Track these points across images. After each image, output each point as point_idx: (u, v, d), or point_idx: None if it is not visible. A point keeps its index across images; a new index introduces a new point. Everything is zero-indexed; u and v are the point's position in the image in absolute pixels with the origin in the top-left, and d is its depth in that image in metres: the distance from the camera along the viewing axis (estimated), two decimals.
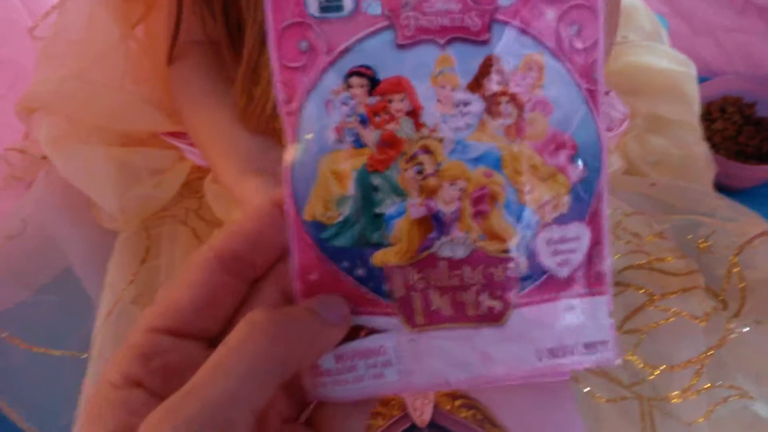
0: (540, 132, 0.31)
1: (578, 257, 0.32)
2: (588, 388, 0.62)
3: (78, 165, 0.77)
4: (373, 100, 0.31)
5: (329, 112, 0.31)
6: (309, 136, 0.31)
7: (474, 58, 0.31)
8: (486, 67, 0.31)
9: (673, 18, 1.27)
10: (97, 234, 0.79)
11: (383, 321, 0.31)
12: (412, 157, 0.31)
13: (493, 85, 0.31)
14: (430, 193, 0.31)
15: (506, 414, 0.60)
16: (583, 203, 0.32)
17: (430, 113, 0.31)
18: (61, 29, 0.83)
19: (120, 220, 0.78)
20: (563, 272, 0.32)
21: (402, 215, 0.31)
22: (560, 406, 0.60)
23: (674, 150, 0.89)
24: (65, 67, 0.82)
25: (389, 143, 0.31)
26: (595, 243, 0.32)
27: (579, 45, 0.31)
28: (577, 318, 0.32)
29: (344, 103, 0.31)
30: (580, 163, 0.32)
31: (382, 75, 0.31)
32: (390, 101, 0.31)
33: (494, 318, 0.31)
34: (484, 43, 0.31)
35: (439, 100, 0.31)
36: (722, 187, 0.95)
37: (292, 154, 0.31)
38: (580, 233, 0.32)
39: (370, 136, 0.31)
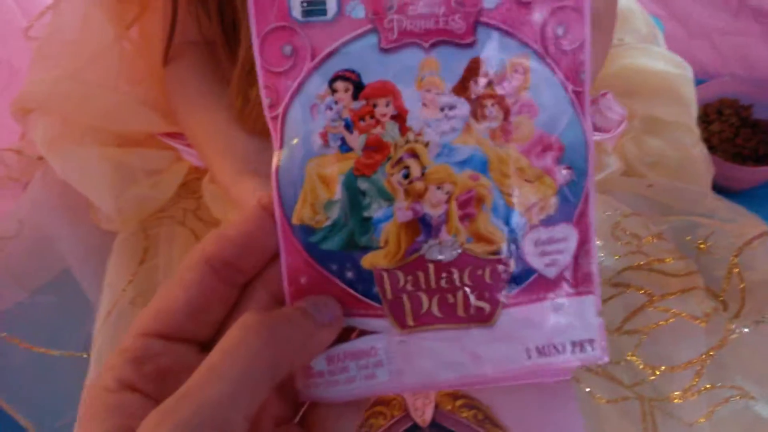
0: (526, 134, 0.31)
1: (566, 258, 0.32)
2: (589, 389, 0.62)
3: (74, 165, 0.77)
4: (358, 104, 0.31)
5: (314, 116, 0.31)
6: (295, 141, 0.31)
7: (459, 62, 0.31)
8: (471, 70, 0.31)
9: (668, 21, 1.27)
10: (94, 235, 0.79)
11: (374, 323, 0.31)
12: (399, 161, 0.31)
13: (478, 88, 0.31)
14: (416, 196, 0.31)
15: (507, 414, 0.60)
16: (570, 204, 0.32)
17: (416, 117, 0.31)
18: (55, 30, 0.83)
19: (117, 220, 0.78)
20: (551, 273, 0.32)
21: (390, 219, 0.31)
22: (561, 407, 0.60)
23: (671, 151, 0.89)
24: (60, 67, 0.82)
25: (375, 147, 0.31)
26: (583, 243, 0.32)
27: (565, 46, 0.31)
28: (565, 317, 0.32)
29: (329, 108, 0.31)
30: (566, 164, 0.32)
31: (367, 79, 0.31)
32: (375, 105, 0.31)
33: (483, 319, 0.31)
34: (469, 46, 0.31)
35: (424, 104, 0.31)
36: (720, 189, 0.95)
37: (278, 158, 0.31)
38: (567, 234, 0.32)
39: (356, 140, 0.31)
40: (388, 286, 0.31)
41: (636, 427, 0.61)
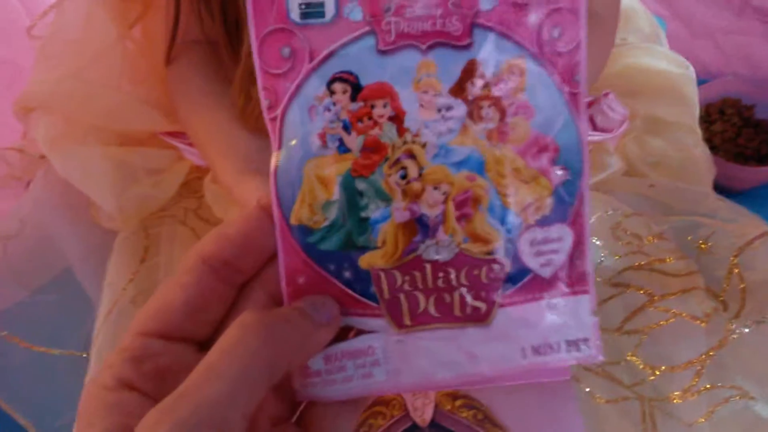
0: (522, 135, 0.31)
1: (561, 258, 0.32)
2: (589, 389, 0.62)
3: (76, 164, 0.77)
4: (356, 105, 0.31)
5: (312, 118, 0.31)
6: (293, 142, 0.31)
7: (456, 63, 0.31)
8: (468, 72, 0.31)
9: (671, 20, 1.27)
10: (95, 234, 0.79)
11: (371, 322, 0.32)
12: (396, 162, 0.31)
13: (475, 89, 0.31)
14: (414, 197, 0.31)
15: (507, 414, 0.60)
16: (566, 205, 0.32)
17: (413, 118, 0.31)
18: (58, 29, 0.83)
19: (119, 219, 0.78)
20: (546, 272, 0.32)
21: (387, 219, 0.31)
22: (561, 407, 0.60)
23: (673, 152, 0.89)
24: (62, 66, 0.82)
25: (373, 148, 0.31)
26: (578, 243, 0.32)
27: (561, 48, 0.32)
28: (560, 317, 0.32)
29: (327, 109, 0.31)
30: (562, 165, 0.32)
31: (365, 81, 0.31)
32: (373, 107, 0.31)
33: (480, 318, 0.32)
34: (466, 47, 0.31)
35: (421, 105, 0.31)
36: (722, 189, 0.95)
37: (276, 159, 0.31)
38: (562, 234, 0.32)
39: (354, 141, 0.31)
40: (385, 286, 0.32)
41: (636, 427, 0.61)
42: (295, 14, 0.30)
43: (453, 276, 0.32)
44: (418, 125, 0.31)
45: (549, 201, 0.32)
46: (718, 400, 0.61)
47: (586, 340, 0.32)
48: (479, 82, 0.31)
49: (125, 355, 0.29)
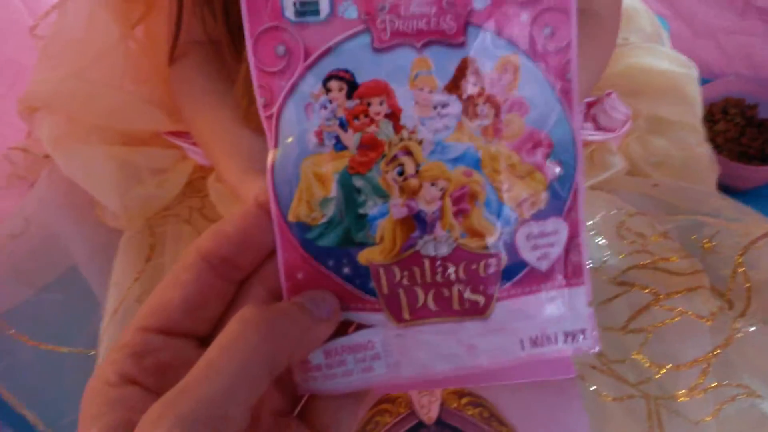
0: (517, 131, 0.32)
1: (557, 251, 0.33)
2: (594, 387, 0.62)
3: (80, 164, 0.78)
4: (352, 103, 0.31)
5: (309, 116, 0.31)
6: (289, 140, 0.31)
7: (450, 61, 0.31)
8: (462, 70, 0.31)
9: (673, 20, 1.27)
10: (100, 233, 0.80)
11: (370, 317, 0.32)
12: (393, 159, 0.31)
13: (469, 86, 0.31)
14: (411, 193, 0.31)
15: (513, 412, 0.60)
16: (560, 199, 0.33)
17: (410, 115, 0.31)
18: (61, 29, 0.84)
19: (123, 218, 0.78)
20: (543, 265, 0.33)
21: (385, 215, 0.32)
22: (567, 405, 0.60)
23: (676, 151, 0.89)
24: (65, 66, 0.82)
25: (370, 146, 0.31)
26: (573, 236, 0.33)
27: (553, 46, 0.32)
28: (557, 309, 0.33)
29: (324, 107, 0.31)
30: (556, 160, 0.32)
31: (361, 78, 0.31)
32: (369, 104, 0.31)
33: (478, 312, 0.32)
34: (460, 45, 0.31)
35: (417, 103, 0.31)
36: (725, 188, 0.95)
37: (273, 157, 0.32)
38: (558, 228, 0.33)
39: (351, 139, 0.31)
40: (384, 281, 0.32)
41: (641, 425, 0.61)
42: (289, 12, 0.31)
43: (451, 271, 0.32)
44: (414, 122, 0.31)
45: (544, 195, 0.32)
46: (725, 399, 0.61)
47: (583, 331, 0.33)
48: (474, 80, 0.31)
49: (126, 350, 0.29)
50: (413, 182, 0.31)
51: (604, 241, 0.73)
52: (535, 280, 0.33)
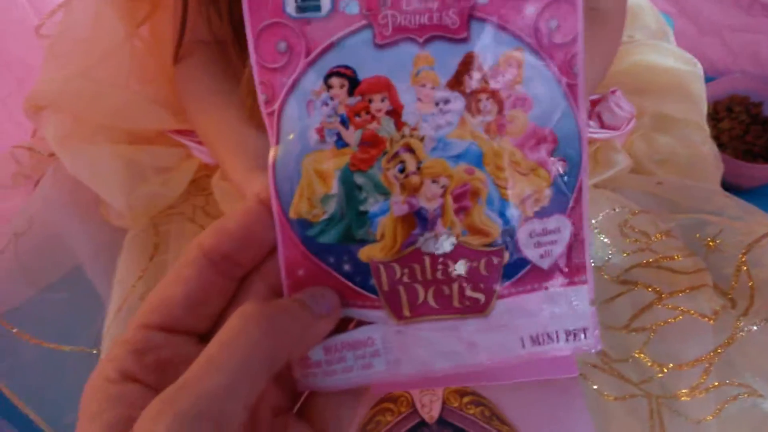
0: (520, 128, 0.32)
1: (559, 248, 0.33)
2: (596, 386, 0.62)
3: (85, 163, 0.78)
4: (354, 100, 0.31)
5: (310, 112, 0.31)
6: (291, 137, 0.31)
7: (453, 56, 0.31)
8: (465, 65, 0.31)
9: (679, 17, 1.27)
10: (104, 231, 0.80)
11: (371, 314, 0.32)
12: (394, 156, 0.31)
13: (472, 82, 0.31)
14: (412, 190, 0.31)
15: (515, 411, 0.60)
16: (564, 196, 0.32)
17: (411, 112, 0.31)
18: (66, 28, 0.84)
19: (128, 217, 0.78)
20: (545, 263, 0.33)
21: (386, 213, 0.32)
22: (569, 404, 0.60)
23: (681, 149, 0.89)
24: (71, 65, 0.82)
25: (371, 143, 0.31)
26: (576, 234, 0.33)
27: (558, 40, 0.32)
28: (558, 307, 0.33)
29: (325, 104, 0.31)
30: (560, 157, 0.32)
31: (362, 75, 0.31)
32: (370, 101, 0.31)
33: (479, 309, 0.32)
34: (463, 40, 0.31)
35: (419, 99, 0.31)
36: (729, 187, 0.95)
37: (274, 154, 0.32)
38: (561, 225, 0.32)
39: (352, 136, 0.31)
40: (384, 278, 0.32)
41: (643, 424, 0.61)
42: (290, 8, 0.31)
43: (452, 268, 0.32)
44: (416, 119, 0.31)
45: (547, 192, 0.32)
46: (726, 398, 0.61)
47: (584, 330, 0.33)
48: (477, 75, 0.31)
49: (127, 347, 0.29)
50: (414, 179, 0.31)
51: (607, 239, 0.73)
52: (536, 278, 0.33)
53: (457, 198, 0.31)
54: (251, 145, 0.69)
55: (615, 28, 0.82)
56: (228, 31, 0.72)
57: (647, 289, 0.68)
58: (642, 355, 0.64)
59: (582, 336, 0.33)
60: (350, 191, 0.31)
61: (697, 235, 0.73)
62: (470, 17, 0.31)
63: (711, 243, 0.72)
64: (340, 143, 0.31)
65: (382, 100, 0.31)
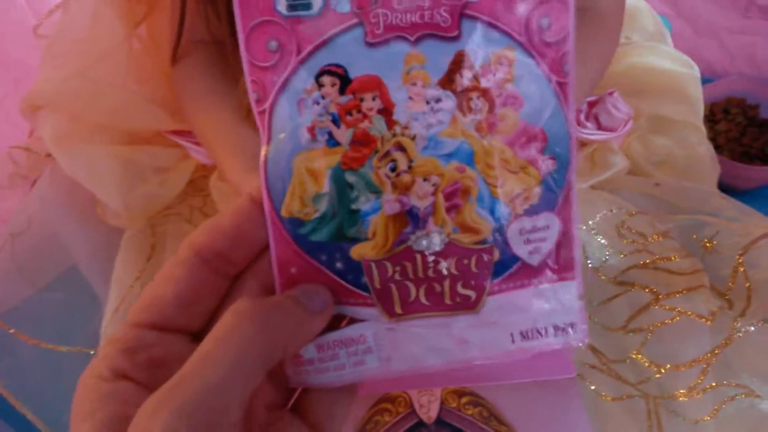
0: (511, 126, 0.32)
1: (548, 245, 0.33)
2: (594, 387, 0.62)
3: (82, 163, 0.78)
4: (345, 99, 0.31)
5: (301, 111, 0.31)
6: (282, 136, 0.31)
7: (444, 55, 0.31)
8: (457, 64, 0.31)
9: (676, 19, 1.27)
10: (101, 231, 0.80)
11: (363, 311, 0.32)
12: (386, 155, 0.31)
13: (464, 81, 0.31)
14: (404, 189, 0.31)
15: (512, 411, 0.60)
16: (553, 194, 0.33)
17: (403, 110, 0.31)
18: (64, 28, 0.84)
19: (125, 217, 0.78)
20: (535, 260, 0.33)
21: (377, 211, 0.31)
22: (566, 404, 0.60)
23: (678, 150, 0.89)
24: (69, 65, 0.82)
25: (362, 141, 0.31)
26: (565, 231, 0.33)
27: (550, 38, 0.32)
28: (548, 303, 0.33)
29: (316, 103, 0.31)
30: (550, 155, 0.32)
31: (353, 73, 0.31)
32: (362, 100, 0.31)
33: (470, 306, 0.32)
34: (455, 39, 0.31)
35: (410, 98, 0.31)
36: (726, 188, 0.95)
37: (266, 153, 0.31)
38: (550, 222, 0.33)
39: (343, 134, 0.31)
40: (376, 276, 0.32)
41: (641, 425, 0.61)
42: (281, 6, 0.30)
43: (443, 266, 0.32)
44: (407, 117, 0.31)
45: (537, 190, 0.32)
46: (724, 399, 0.61)
47: (573, 324, 0.33)
48: (468, 74, 0.31)
49: (119, 346, 0.29)
50: (406, 178, 0.31)
51: (604, 240, 0.73)
52: (526, 275, 0.33)
53: (448, 196, 0.31)
54: (249, 145, 0.69)
55: (613, 29, 0.83)
56: (226, 31, 0.72)
57: (644, 290, 0.68)
58: (639, 356, 0.64)
59: (570, 330, 0.33)
60: (342, 190, 0.31)
61: (694, 237, 0.73)
62: (462, 15, 0.31)
63: (708, 244, 0.72)
64: (332, 142, 0.31)
65: (374, 99, 0.31)
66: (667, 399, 0.61)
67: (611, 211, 0.76)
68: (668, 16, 1.24)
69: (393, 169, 0.31)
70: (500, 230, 0.32)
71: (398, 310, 0.32)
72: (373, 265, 0.32)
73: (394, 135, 0.31)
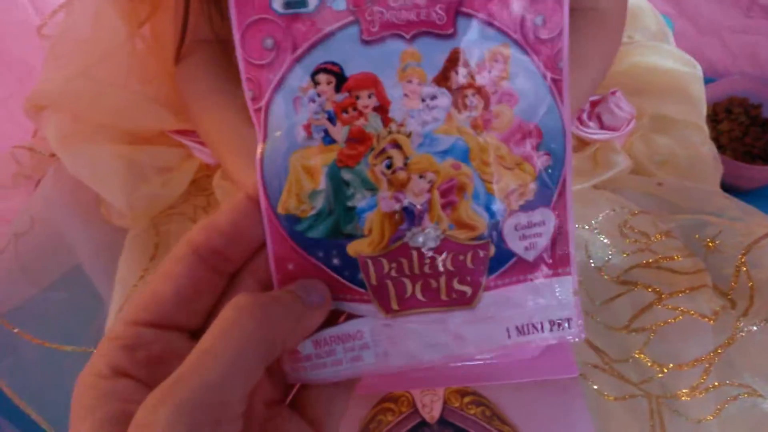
0: (506, 123, 0.32)
1: (544, 241, 0.33)
2: (597, 386, 0.62)
3: (86, 162, 0.78)
4: (341, 96, 0.31)
5: (297, 109, 0.31)
6: (278, 134, 0.31)
7: (440, 52, 0.31)
8: (452, 61, 0.31)
9: (678, 19, 1.27)
10: (105, 231, 0.80)
11: (359, 308, 0.32)
12: (382, 152, 0.31)
13: (459, 78, 0.31)
14: (399, 186, 0.31)
15: (515, 411, 0.60)
16: (549, 190, 0.33)
17: (398, 108, 0.31)
18: (68, 28, 0.84)
19: (129, 217, 0.78)
20: (530, 255, 0.33)
21: (373, 208, 0.32)
22: (569, 404, 0.60)
23: (680, 150, 0.89)
24: (72, 65, 0.82)
25: (358, 139, 0.31)
26: (560, 226, 0.33)
27: (544, 35, 0.32)
28: (543, 298, 0.33)
29: (312, 100, 0.31)
30: (545, 151, 0.33)
31: (349, 71, 0.31)
32: (358, 97, 0.31)
33: (465, 302, 0.33)
34: (450, 36, 0.31)
35: (406, 95, 0.31)
36: (729, 188, 0.95)
37: (262, 150, 0.32)
38: (545, 218, 0.33)
39: (339, 132, 0.31)
40: (372, 273, 0.32)
41: (643, 424, 0.61)
42: (277, 4, 0.30)
43: (439, 262, 0.32)
44: (403, 115, 0.31)
45: (532, 186, 0.33)
46: (726, 398, 0.61)
47: (568, 319, 0.33)
48: (463, 71, 0.31)
49: (117, 343, 0.29)
50: (402, 175, 0.31)
51: (607, 240, 0.73)
52: (522, 270, 0.33)
53: (444, 193, 0.32)
54: (253, 144, 0.69)
55: (615, 29, 0.82)
56: (229, 30, 0.72)
57: (647, 289, 0.68)
58: (642, 356, 0.64)
59: (566, 325, 0.33)
60: (338, 187, 0.31)
61: (697, 236, 0.73)
62: (457, 13, 0.31)
63: (711, 244, 0.72)
64: (328, 139, 0.31)
65: (369, 97, 0.31)
66: (669, 398, 0.61)
67: (614, 210, 0.76)
68: (670, 16, 1.24)
69: (389, 167, 0.31)
70: (496, 226, 0.32)
71: (394, 306, 0.32)
72: (370, 262, 0.32)
73: (390, 132, 0.31)
